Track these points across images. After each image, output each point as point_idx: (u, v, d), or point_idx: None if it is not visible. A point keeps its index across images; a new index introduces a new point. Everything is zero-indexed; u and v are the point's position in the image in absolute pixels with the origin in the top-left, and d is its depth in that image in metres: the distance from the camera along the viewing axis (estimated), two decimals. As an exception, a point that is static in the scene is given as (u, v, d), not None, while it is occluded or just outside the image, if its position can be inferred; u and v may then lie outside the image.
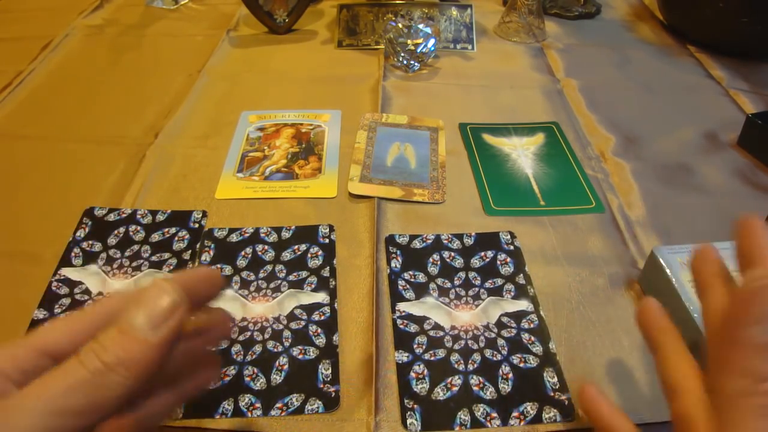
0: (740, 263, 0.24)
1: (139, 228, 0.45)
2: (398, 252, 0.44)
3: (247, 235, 0.45)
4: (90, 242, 0.44)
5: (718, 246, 0.39)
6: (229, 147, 0.55)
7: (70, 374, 0.18)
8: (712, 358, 0.21)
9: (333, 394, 0.35)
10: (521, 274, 0.42)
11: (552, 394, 0.35)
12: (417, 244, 0.44)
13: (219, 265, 0.42)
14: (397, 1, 0.73)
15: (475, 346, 0.37)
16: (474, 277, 0.42)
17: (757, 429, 0.18)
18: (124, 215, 0.47)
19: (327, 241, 0.45)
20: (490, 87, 0.65)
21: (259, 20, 0.74)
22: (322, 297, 0.40)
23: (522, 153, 0.55)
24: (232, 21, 0.78)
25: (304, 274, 0.42)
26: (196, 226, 0.46)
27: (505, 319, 0.39)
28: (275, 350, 0.37)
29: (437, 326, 0.39)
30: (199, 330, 0.25)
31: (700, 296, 0.25)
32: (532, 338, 0.38)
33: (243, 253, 0.44)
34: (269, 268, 0.42)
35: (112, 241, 0.44)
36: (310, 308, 0.40)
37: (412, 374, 0.36)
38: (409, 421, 0.33)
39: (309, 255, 0.43)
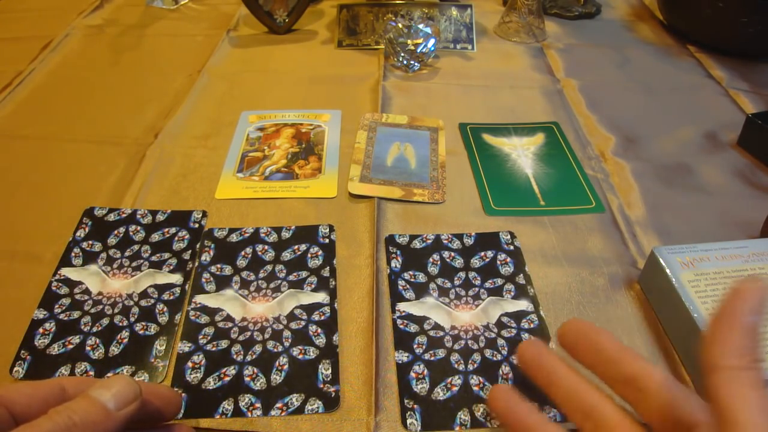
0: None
1: (139, 228, 0.45)
2: (398, 252, 0.44)
3: (247, 235, 0.45)
4: (90, 242, 0.44)
5: (718, 246, 0.39)
6: (229, 147, 0.55)
7: (42, 426, 0.22)
8: (711, 342, 0.23)
9: (333, 394, 0.35)
10: (521, 274, 0.42)
11: (552, 394, 0.35)
12: (417, 244, 0.44)
13: (219, 265, 0.42)
14: (397, 1, 0.73)
15: (475, 346, 0.37)
16: (474, 277, 0.42)
17: (751, 397, 0.21)
18: (124, 215, 0.47)
19: (327, 241, 0.45)
20: (490, 87, 0.65)
21: (259, 20, 0.74)
22: (322, 297, 0.40)
23: (522, 153, 0.55)
24: (232, 21, 0.78)
25: (304, 274, 0.42)
26: (196, 226, 0.46)
27: (505, 319, 0.39)
28: (275, 350, 0.37)
29: (437, 326, 0.39)
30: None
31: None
32: (533, 338, 0.38)
33: (243, 253, 0.44)
34: (269, 268, 0.42)
35: (112, 241, 0.44)
36: (310, 308, 0.40)
37: (412, 374, 0.36)
38: (409, 421, 0.33)
39: (309, 255, 0.43)
